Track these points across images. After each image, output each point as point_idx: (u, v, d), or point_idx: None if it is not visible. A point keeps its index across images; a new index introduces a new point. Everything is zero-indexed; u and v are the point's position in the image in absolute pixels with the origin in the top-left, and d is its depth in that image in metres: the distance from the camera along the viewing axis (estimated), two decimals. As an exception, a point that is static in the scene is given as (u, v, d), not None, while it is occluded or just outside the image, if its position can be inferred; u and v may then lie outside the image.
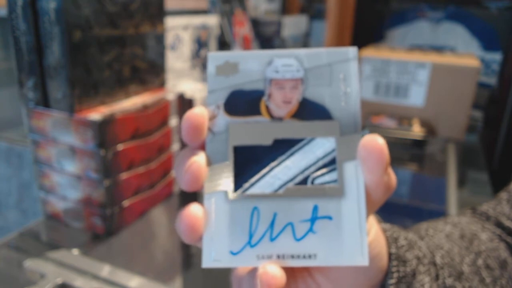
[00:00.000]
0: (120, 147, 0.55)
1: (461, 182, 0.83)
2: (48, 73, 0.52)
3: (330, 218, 0.21)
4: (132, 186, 0.58)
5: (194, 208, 0.21)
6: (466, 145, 1.02)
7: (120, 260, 0.55)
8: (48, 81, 0.52)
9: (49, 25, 0.49)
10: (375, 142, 0.20)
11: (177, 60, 0.95)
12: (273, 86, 0.22)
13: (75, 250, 0.53)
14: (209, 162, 0.22)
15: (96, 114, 0.52)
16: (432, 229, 0.33)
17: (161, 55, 0.67)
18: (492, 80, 1.50)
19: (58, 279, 0.47)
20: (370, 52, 1.08)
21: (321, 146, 0.22)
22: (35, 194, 0.62)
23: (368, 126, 0.98)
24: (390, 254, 0.26)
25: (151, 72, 0.65)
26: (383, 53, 1.07)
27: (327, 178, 0.21)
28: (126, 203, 0.58)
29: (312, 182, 0.21)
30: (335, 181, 0.21)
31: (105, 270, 0.49)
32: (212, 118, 0.22)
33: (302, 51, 0.23)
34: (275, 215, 0.21)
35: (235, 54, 0.23)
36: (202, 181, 0.21)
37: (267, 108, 0.22)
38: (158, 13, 0.64)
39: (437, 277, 0.28)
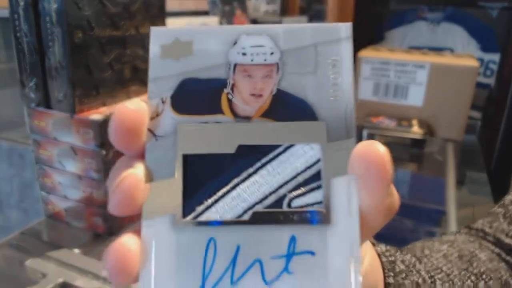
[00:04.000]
0: (121, 147, 0.55)
1: (460, 182, 0.83)
2: (50, 74, 0.52)
3: (312, 253, 0.16)
4: (132, 186, 0.59)
5: (126, 241, 0.15)
6: (465, 145, 1.03)
7: (121, 259, 0.55)
8: (49, 81, 0.53)
9: (51, 26, 0.50)
10: (375, 150, 0.15)
11: (177, 60, 0.95)
12: (238, 73, 0.17)
13: (76, 249, 0.53)
14: (150, 177, 0.16)
15: (97, 114, 0.53)
16: (428, 249, 0.31)
17: (162, 55, 0.67)
18: (491, 81, 1.51)
19: (59, 279, 0.47)
20: (369, 53, 1.08)
21: (302, 155, 0.17)
22: (36, 194, 0.63)
23: (367, 127, 0.98)
24: (387, 284, 0.24)
25: (152, 73, 0.66)
26: (382, 54, 1.07)
27: (309, 199, 0.16)
28: (127, 202, 0.58)
29: (289, 205, 0.16)
30: (319, 203, 0.16)
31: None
32: (154, 116, 0.17)
33: (279, 27, 0.17)
34: (238, 249, 0.16)
35: (188, 30, 0.18)
36: (138, 202, 0.16)
37: (230, 103, 0.17)
38: (158, 14, 0.65)
39: None
